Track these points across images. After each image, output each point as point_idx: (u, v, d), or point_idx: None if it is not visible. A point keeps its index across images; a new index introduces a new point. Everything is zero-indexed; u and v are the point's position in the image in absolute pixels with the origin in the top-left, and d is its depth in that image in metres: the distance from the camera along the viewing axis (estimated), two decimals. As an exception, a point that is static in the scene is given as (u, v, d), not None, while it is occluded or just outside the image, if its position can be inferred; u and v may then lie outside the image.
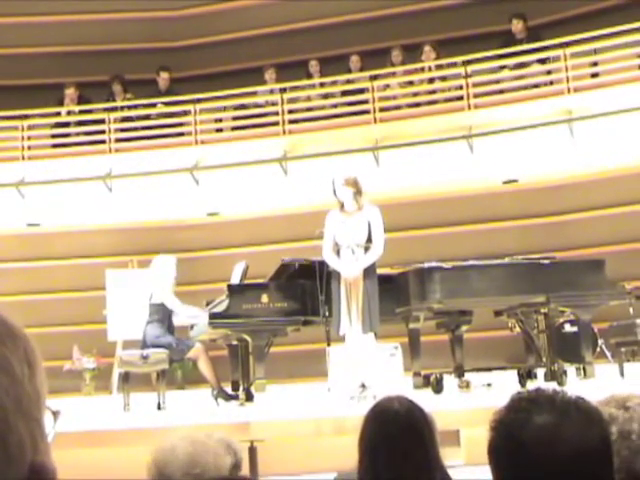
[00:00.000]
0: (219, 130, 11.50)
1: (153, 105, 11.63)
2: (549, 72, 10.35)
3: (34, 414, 0.86)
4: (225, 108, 11.60)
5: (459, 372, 7.45)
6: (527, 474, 1.25)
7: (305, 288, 7.05)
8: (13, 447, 0.82)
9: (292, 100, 11.17)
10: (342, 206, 6.62)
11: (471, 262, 7.36)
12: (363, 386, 6.17)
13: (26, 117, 11.43)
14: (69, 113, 11.79)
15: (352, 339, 6.41)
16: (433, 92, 10.83)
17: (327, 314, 6.65)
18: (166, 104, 11.55)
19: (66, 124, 11.73)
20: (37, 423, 0.87)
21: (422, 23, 12.26)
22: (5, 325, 0.89)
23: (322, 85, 11.61)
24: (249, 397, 7.16)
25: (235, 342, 7.89)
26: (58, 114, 11.79)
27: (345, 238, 6.53)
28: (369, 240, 6.51)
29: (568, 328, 9.18)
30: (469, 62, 10.44)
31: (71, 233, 12.12)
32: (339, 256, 6.53)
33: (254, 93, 11.55)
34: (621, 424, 1.60)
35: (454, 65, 10.66)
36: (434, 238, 11.41)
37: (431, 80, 10.91)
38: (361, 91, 10.99)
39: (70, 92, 11.83)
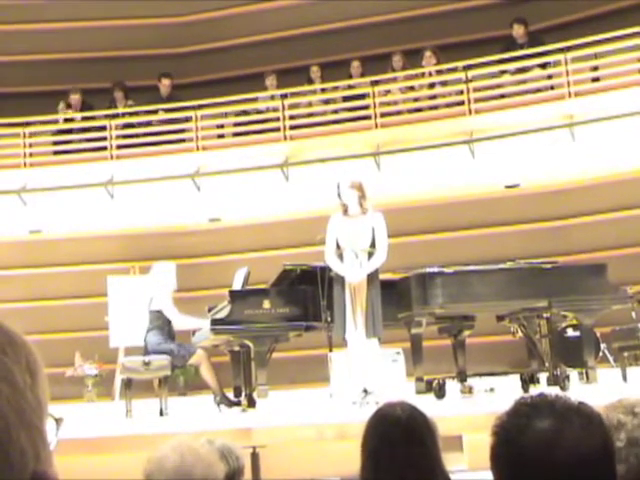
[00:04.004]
0: (220, 136, 11.51)
1: (154, 112, 11.64)
2: (550, 77, 10.35)
3: (36, 423, 0.86)
4: (226, 114, 11.62)
5: (461, 377, 7.43)
6: (528, 479, 1.25)
7: (307, 294, 7.04)
8: (15, 456, 0.83)
9: (293, 106, 11.18)
10: (345, 210, 6.61)
11: (473, 267, 7.36)
12: (365, 392, 6.16)
13: (28, 124, 11.45)
14: (67, 120, 11.81)
15: (355, 344, 6.40)
16: (434, 97, 10.84)
17: (329, 319, 6.64)
18: (167, 110, 11.56)
19: (68, 131, 11.75)
20: (39, 432, 0.87)
21: (423, 28, 12.27)
22: (7, 334, 0.89)
23: (323, 91, 11.63)
24: (251, 403, 7.16)
25: (237, 348, 7.88)
26: (60, 121, 11.81)
27: (348, 242, 6.52)
28: (372, 245, 6.50)
29: (570, 333, 9.17)
30: (470, 67, 10.45)
31: (73, 240, 12.12)
32: (342, 260, 6.52)
33: (255, 99, 11.56)
34: (630, 431, 1.59)
35: (455, 70, 10.67)
36: (436, 243, 11.40)
37: (432, 85, 10.92)
38: (362, 96, 11.00)
39: (75, 97, 11.87)
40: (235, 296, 7.13)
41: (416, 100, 10.94)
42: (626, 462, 1.55)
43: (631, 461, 1.56)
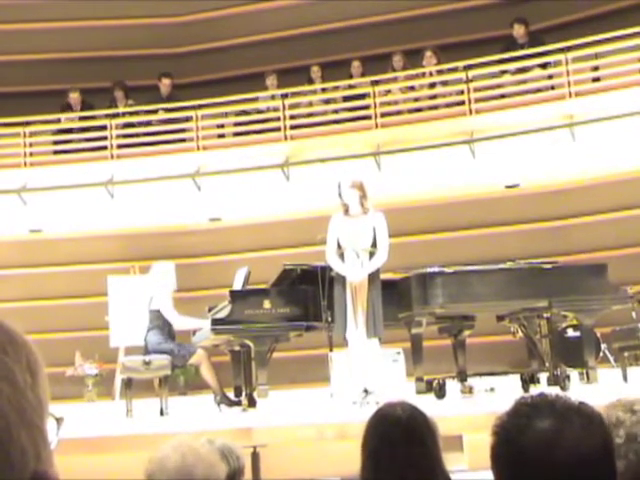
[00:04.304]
0: (221, 136, 11.51)
1: (155, 111, 11.64)
2: (550, 77, 10.35)
3: (36, 422, 0.86)
4: (227, 114, 11.62)
5: (462, 377, 7.43)
6: (528, 479, 1.25)
7: (307, 293, 7.05)
8: (16, 456, 0.83)
9: (294, 106, 11.18)
10: (346, 210, 6.61)
11: (473, 267, 7.36)
12: (366, 391, 6.16)
13: (28, 124, 11.45)
14: (67, 119, 11.81)
15: (356, 344, 6.40)
16: (434, 97, 10.84)
17: (330, 319, 6.64)
18: (168, 110, 11.56)
19: (68, 130, 11.75)
20: (39, 431, 0.87)
21: (423, 28, 12.27)
22: (7, 333, 0.89)
23: (324, 90, 11.62)
24: (251, 403, 7.16)
25: (238, 348, 7.88)
26: (60, 121, 11.81)
27: (350, 242, 6.52)
28: (374, 245, 6.51)
29: (571, 333, 9.17)
30: (470, 67, 10.44)
31: (73, 239, 12.12)
32: (343, 260, 6.52)
33: (256, 99, 11.56)
34: (628, 427, 1.61)
35: (455, 70, 10.67)
36: (436, 243, 11.40)
37: (432, 85, 10.92)
38: (362, 96, 11.00)
39: (75, 96, 11.87)
40: (235, 296, 7.14)
41: (416, 100, 10.93)
42: (625, 458, 1.57)
43: (630, 457, 1.58)
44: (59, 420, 0.94)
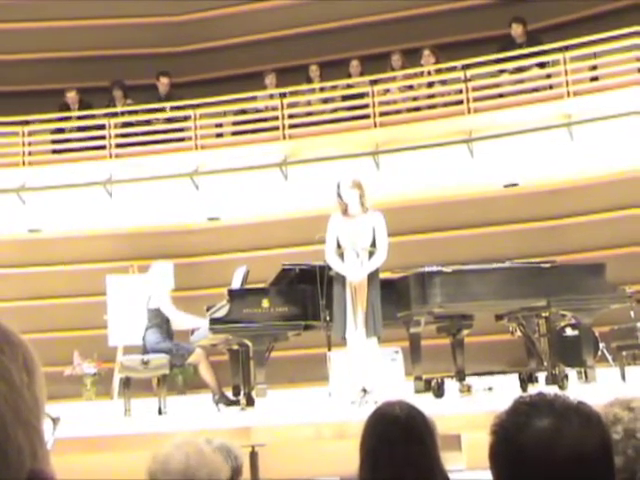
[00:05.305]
0: (219, 135, 11.51)
1: (153, 110, 11.63)
2: (548, 76, 10.35)
3: (33, 422, 0.86)
4: (225, 113, 11.62)
5: (460, 376, 7.43)
6: (527, 478, 1.25)
7: (306, 293, 7.04)
8: (12, 455, 0.83)
9: (292, 105, 11.18)
10: (345, 210, 6.61)
11: (472, 266, 7.36)
12: (364, 391, 6.16)
13: (27, 123, 11.44)
14: (66, 119, 11.79)
15: (355, 343, 6.40)
16: (433, 96, 10.83)
17: (328, 319, 6.64)
18: (166, 109, 11.55)
19: (67, 130, 11.74)
20: (36, 430, 0.87)
21: (422, 28, 12.27)
22: (3, 333, 0.89)
23: (322, 90, 11.62)
24: (250, 402, 7.16)
25: (236, 347, 7.88)
26: (59, 120, 11.80)
27: (349, 241, 6.52)
28: (373, 244, 6.51)
29: (569, 332, 9.18)
30: (469, 66, 10.44)
31: (72, 238, 12.12)
32: (342, 259, 6.53)
33: (254, 98, 11.55)
34: (626, 423, 1.62)
35: (454, 69, 10.67)
36: (434, 242, 11.40)
37: (431, 84, 10.92)
38: (361, 96, 11.00)
39: (71, 95, 11.86)
40: (234, 295, 7.13)
41: (415, 99, 10.93)
42: (623, 454, 1.58)
43: (629, 453, 1.58)
44: (55, 420, 0.94)
